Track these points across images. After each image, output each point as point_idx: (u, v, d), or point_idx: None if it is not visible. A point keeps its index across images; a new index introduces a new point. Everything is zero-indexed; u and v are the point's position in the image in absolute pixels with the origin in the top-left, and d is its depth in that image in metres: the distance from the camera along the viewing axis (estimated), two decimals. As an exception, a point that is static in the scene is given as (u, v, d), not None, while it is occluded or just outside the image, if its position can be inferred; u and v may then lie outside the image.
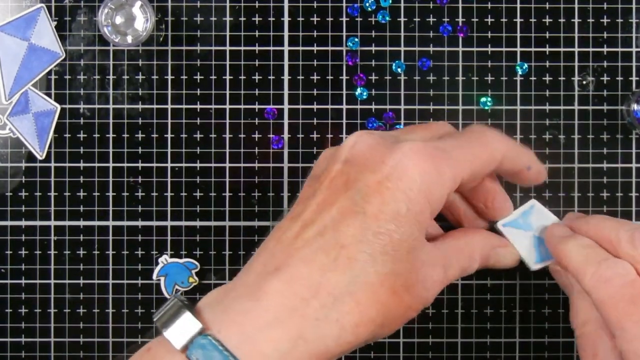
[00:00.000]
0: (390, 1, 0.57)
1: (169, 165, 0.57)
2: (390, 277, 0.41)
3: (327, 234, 0.42)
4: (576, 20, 0.57)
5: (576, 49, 0.57)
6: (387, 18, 0.57)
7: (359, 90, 0.57)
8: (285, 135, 0.57)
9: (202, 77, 0.57)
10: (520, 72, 0.57)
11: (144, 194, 0.57)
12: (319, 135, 0.57)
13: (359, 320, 0.41)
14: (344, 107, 0.57)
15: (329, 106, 0.57)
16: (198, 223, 0.57)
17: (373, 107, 0.57)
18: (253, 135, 0.57)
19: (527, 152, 0.49)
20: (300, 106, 0.57)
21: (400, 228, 0.41)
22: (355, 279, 0.41)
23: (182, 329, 0.40)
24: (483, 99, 0.57)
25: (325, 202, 0.43)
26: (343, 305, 0.41)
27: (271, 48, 0.57)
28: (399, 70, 0.57)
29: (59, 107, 0.57)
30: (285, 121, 0.57)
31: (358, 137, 0.44)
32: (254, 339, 0.40)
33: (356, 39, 0.57)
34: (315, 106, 0.57)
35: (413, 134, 0.47)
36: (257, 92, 0.57)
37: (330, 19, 0.57)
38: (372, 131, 0.46)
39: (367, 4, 0.57)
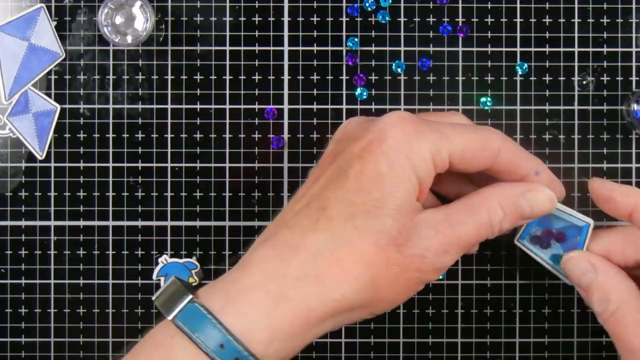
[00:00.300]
0: (390, 1, 0.57)
1: (169, 165, 0.57)
2: (373, 234, 0.42)
3: (312, 203, 0.43)
4: (576, 20, 0.57)
5: (576, 49, 0.57)
6: (387, 18, 0.57)
7: (359, 90, 0.57)
8: (285, 135, 0.57)
9: (202, 77, 0.57)
10: (520, 72, 0.57)
11: (143, 194, 0.57)
12: (319, 135, 0.57)
13: (340, 276, 0.41)
14: (344, 107, 0.57)
15: (329, 106, 0.57)
16: (198, 223, 0.57)
17: (373, 107, 0.57)
18: (253, 135, 0.57)
19: (533, 158, 0.48)
20: (300, 106, 0.57)
21: (382, 185, 0.42)
22: (335, 236, 0.42)
23: (174, 302, 0.42)
24: (483, 99, 0.57)
25: (315, 177, 0.45)
26: (323, 262, 0.41)
27: (271, 48, 0.57)
28: (399, 70, 0.57)
29: (59, 107, 0.57)
30: (285, 121, 0.57)
31: (350, 119, 0.47)
32: (236, 301, 0.41)
33: (356, 39, 0.57)
34: (315, 106, 0.57)
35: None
36: (257, 92, 0.57)
37: (330, 19, 0.57)
38: (365, 117, 0.47)
39: (367, 4, 0.57)
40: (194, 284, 0.57)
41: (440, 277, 0.57)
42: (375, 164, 0.42)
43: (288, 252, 0.42)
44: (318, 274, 0.41)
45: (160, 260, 0.57)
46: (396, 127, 0.43)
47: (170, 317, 0.42)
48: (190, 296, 0.42)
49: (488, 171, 0.48)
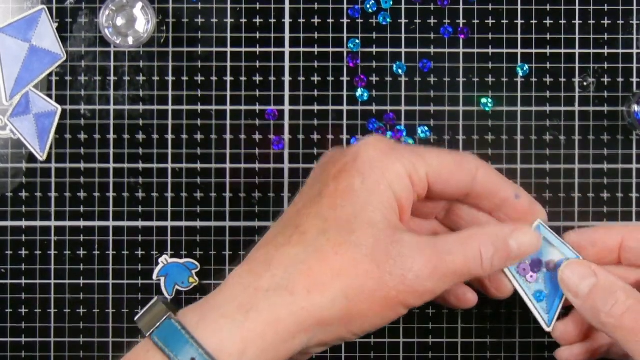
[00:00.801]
0: (391, 2, 0.57)
1: (170, 166, 0.57)
2: (346, 245, 0.42)
3: (288, 223, 0.44)
4: (577, 21, 0.57)
5: (577, 51, 0.57)
6: (388, 20, 0.57)
7: (359, 92, 0.57)
8: (286, 136, 0.57)
9: (203, 78, 0.57)
10: (521, 74, 0.57)
11: (144, 194, 0.57)
12: (319, 137, 0.57)
13: (310, 284, 0.41)
14: (345, 108, 0.57)
15: (330, 107, 0.57)
16: (198, 223, 0.57)
17: (374, 108, 0.57)
18: (254, 136, 0.57)
19: (511, 183, 0.49)
20: (301, 107, 0.57)
21: (355, 200, 0.42)
22: (307, 248, 0.42)
23: (154, 320, 0.43)
24: (484, 100, 0.57)
25: (294, 203, 0.45)
26: (294, 272, 0.41)
27: (272, 49, 0.57)
28: (400, 71, 0.57)
29: (59, 108, 0.57)
30: (286, 122, 0.57)
31: (329, 151, 0.48)
32: (210, 316, 0.41)
33: (357, 41, 0.57)
34: (315, 107, 0.57)
35: None
36: (257, 93, 0.57)
37: (331, 20, 0.57)
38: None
39: (368, 6, 0.57)
40: (194, 284, 0.57)
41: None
42: (348, 181, 0.43)
43: (261, 267, 0.42)
44: (288, 285, 0.41)
45: (160, 260, 0.57)
46: (370, 145, 0.44)
47: (147, 334, 0.43)
48: (169, 313, 0.42)
49: (468, 198, 0.48)
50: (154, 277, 0.57)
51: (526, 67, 0.57)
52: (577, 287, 0.47)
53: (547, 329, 0.49)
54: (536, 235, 0.47)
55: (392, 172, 0.43)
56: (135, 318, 0.45)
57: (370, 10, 0.57)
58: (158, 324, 0.42)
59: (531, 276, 0.49)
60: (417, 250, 0.42)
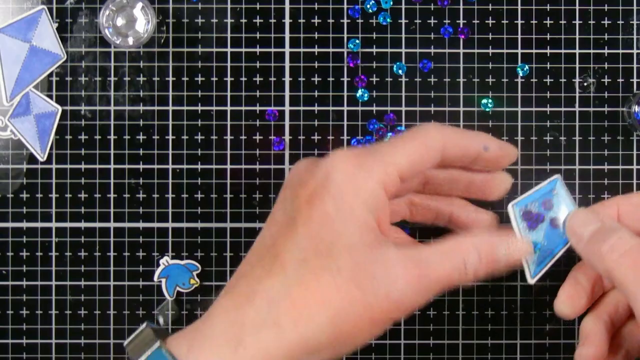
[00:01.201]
0: (391, 3, 0.57)
1: (170, 166, 0.57)
2: (330, 274, 0.41)
3: (266, 253, 0.43)
4: (577, 22, 0.57)
5: (577, 51, 0.57)
6: (388, 20, 0.57)
7: (360, 92, 0.57)
8: (287, 137, 0.57)
9: (203, 78, 0.57)
10: (521, 74, 0.57)
11: (145, 195, 0.57)
12: (320, 137, 0.57)
13: (295, 316, 0.41)
14: (345, 108, 0.57)
15: (330, 108, 0.57)
16: (199, 225, 0.57)
17: (374, 108, 0.57)
18: (254, 137, 0.57)
19: (477, 134, 0.48)
20: (301, 108, 0.57)
21: (331, 227, 0.42)
22: (288, 280, 0.41)
23: (143, 348, 0.43)
24: (484, 101, 0.57)
25: (267, 227, 0.45)
26: (278, 306, 0.41)
27: (272, 50, 0.57)
28: (400, 71, 0.57)
29: (60, 108, 0.57)
30: (287, 123, 0.57)
31: (297, 163, 0.47)
32: (199, 348, 0.41)
33: (357, 41, 0.57)
34: (316, 108, 0.57)
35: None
36: (258, 93, 0.57)
37: (331, 20, 0.57)
38: (313, 157, 0.47)
39: (368, 6, 0.57)
40: (195, 285, 0.57)
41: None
42: (322, 208, 0.42)
43: (245, 301, 0.42)
44: (274, 319, 0.41)
45: (161, 261, 0.57)
46: (338, 167, 0.43)
47: None
48: (158, 342, 0.43)
49: (441, 166, 0.47)
50: (155, 278, 0.57)
51: (526, 67, 0.57)
52: (581, 231, 0.46)
53: (530, 281, 0.48)
54: (525, 244, 0.47)
55: (366, 192, 0.43)
56: (124, 343, 0.45)
57: (370, 11, 0.57)
58: (149, 351, 0.43)
59: (533, 225, 0.50)
60: (399, 266, 0.42)
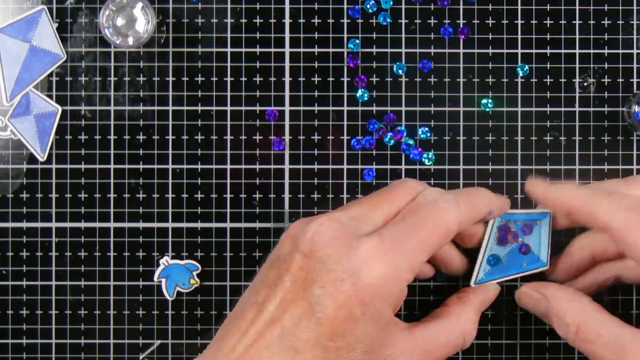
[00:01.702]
0: (391, 3, 0.57)
1: (170, 166, 0.57)
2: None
3: (285, 339, 0.42)
4: (577, 21, 0.57)
5: (577, 51, 0.57)
6: (388, 20, 0.57)
7: (360, 92, 0.57)
8: (287, 137, 0.57)
9: (203, 78, 0.57)
10: (521, 74, 0.57)
11: (145, 195, 0.57)
12: (320, 137, 0.57)
13: None
14: (345, 108, 0.57)
15: (330, 108, 0.57)
16: (199, 224, 0.57)
17: (374, 108, 0.57)
18: (254, 137, 0.57)
19: (482, 201, 0.50)
20: (301, 108, 0.57)
21: (355, 330, 0.42)
22: None
23: None
24: (484, 101, 0.57)
25: (286, 301, 0.43)
26: None
27: (272, 50, 0.57)
28: (400, 71, 0.57)
29: (60, 108, 0.57)
30: (287, 123, 0.57)
31: (319, 227, 0.44)
32: None
33: (357, 41, 0.57)
34: (316, 108, 0.57)
35: (370, 216, 0.47)
36: (258, 93, 0.57)
37: (331, 20, 0.57)
38: (333, 216, 0.45)
39: (368, 6, 0.57)
40: (195, 285, 0.57)
41: (441, 278, 0.57)
42: (349, 308, 0.42)
43: None
44: None
45: (161, 261, 0.57)
46: (369, 266, 0.43)
47: None
48: None
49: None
50: (155, 278, 0.57)
51: (526, 67, 0.57)
52: (537, 311, 0.52)
53: (471, 284, 0.52)
54: (496, 287, 0.53)
55: (394, 295, 0.44)
56: None
57: (370, 11, 0.57)
58: None
59: (504, 241, 0.53)
60: (408, 351, 0.45)
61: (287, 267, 0.44)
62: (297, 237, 0.45)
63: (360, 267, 0.43)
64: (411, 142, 0.57)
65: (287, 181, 0.57)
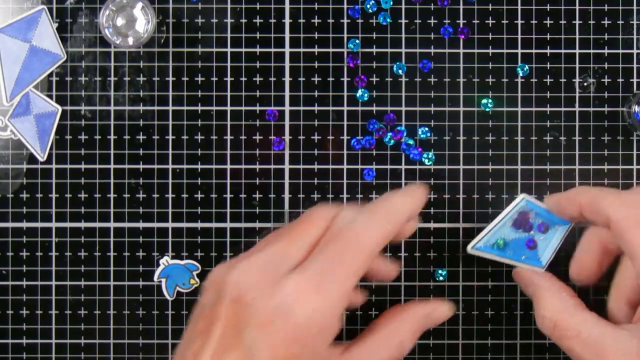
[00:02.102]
0: (391, 3, 0.57)
1: (170, 166, 0.57)
2: None
3: None
4: (577, 21, 0.57)
5: (577, 51, 0.57)
6: (388, 20, 0.57)
7: (360, 92, 0.57)
8: (287, 137, 0.57)
9: (203, 78, 0.57)
10: (521, 74, 0.57)
11: (145, 195, 0.57)
12: (320, 137, 0.57)
13: None
14: (345, 108, 0.57)
15: (330, 108, 0.57)
16: (199, 224, 0.57)
17: (374, 108, 0.57)
18: (254, 137, 0.57)
19: (401, 208, 0.48)
20: (301, 108, 0.57)
21: None
22: None
23: None
24: (484, 101, 0.57)
25: (221, 350, 0.43)
26: None
27: (272, 50, 0.57)
28: (400, 71, 0.57)
29: (60, 108, 0.57)
30: (287, 123, 0.57)
31: (241, 272, 0.44)
32: None
33: (357, 41, 0.57)
34: (316, 108, 0.57)
35: (290, 252, 0.46)
36: (258, 93, 0.57)
37: (331, 20, 0.57)
38: (254, 258, 0.45)
39: (368, 6, 0.57)
40: (195, 285, 0.57)
41: (441, 278, 0.57)
42: (285, 347, 0.42)
43: None
44: None
45: (161, 261, 0.57)
46: (299, 304, 0.42)
47: None
48: None
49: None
50: (155, 278, 0.57)
51: (526, 67, 0.57)
52: (527, 291, 0.52)
53: (468, 249, 0.53)
54: (448, 306, 0.51)
55: (329, 323, 0.43)
56: None
57: (370, 11, 0.57)
58: None
59: (517, 226, 0.53)
60: None
61: (217, 314, 0.43)
62: (222, 284, 0.44)
63: (289, 306, 0.42)
64: (411, 142, 0.57)
65: (287, 181, 0.57)
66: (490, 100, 0.57)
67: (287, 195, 0.57)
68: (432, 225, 0.57)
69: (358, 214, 0.46)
